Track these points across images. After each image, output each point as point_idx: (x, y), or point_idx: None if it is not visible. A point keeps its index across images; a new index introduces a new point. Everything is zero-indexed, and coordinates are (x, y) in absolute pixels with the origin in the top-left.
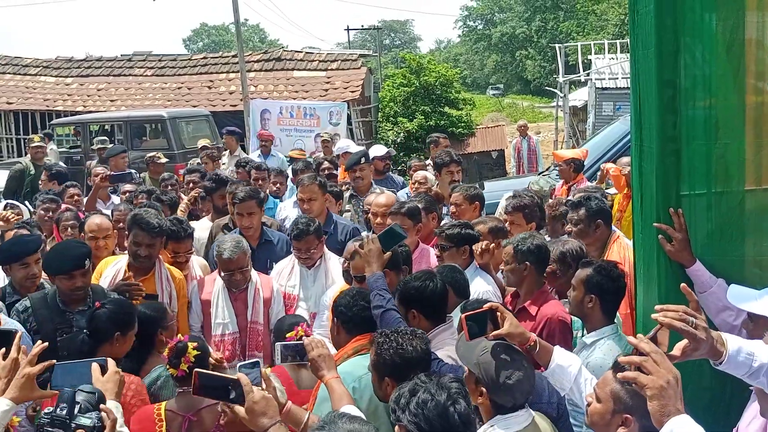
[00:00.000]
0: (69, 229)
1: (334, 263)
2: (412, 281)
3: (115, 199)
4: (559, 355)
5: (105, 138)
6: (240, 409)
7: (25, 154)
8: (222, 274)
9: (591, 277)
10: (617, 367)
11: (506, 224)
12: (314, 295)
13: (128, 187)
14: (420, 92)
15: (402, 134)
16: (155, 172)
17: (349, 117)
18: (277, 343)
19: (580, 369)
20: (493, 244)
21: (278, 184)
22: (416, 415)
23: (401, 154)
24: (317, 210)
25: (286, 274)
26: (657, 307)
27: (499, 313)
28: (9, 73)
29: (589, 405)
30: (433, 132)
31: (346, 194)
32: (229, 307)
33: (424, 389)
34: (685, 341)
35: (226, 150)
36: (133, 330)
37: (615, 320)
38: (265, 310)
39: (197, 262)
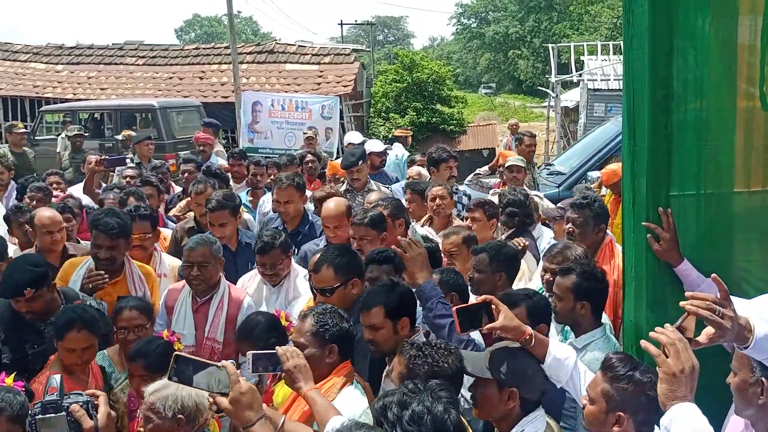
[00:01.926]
0: (26, 226)
1: (300, 280)
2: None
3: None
4: (555, 347)
5: (79, 126)
6: (223, 401)
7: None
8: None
9: (579, 284)
10: (607, 366)
11: (467, 221)
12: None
13: (129, 172)
14: (412, 89)
15: (393, 130)
16: (147, 158)
17: (341, 111)
18: (249, 352)
19: (575, 362)
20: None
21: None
22: (408, 431)
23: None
24: (293, 212)
25: (248, 288)
26: (687, 294)
27: (493, 306)
28: None
29: (584, 407)
30: (425, 129)
31: (342, 188)
32: (189, 318)
33: (417, 400)
34: (711, 328)
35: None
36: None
37: (603, 321)
38: (229, 327)
39: (167, 260)
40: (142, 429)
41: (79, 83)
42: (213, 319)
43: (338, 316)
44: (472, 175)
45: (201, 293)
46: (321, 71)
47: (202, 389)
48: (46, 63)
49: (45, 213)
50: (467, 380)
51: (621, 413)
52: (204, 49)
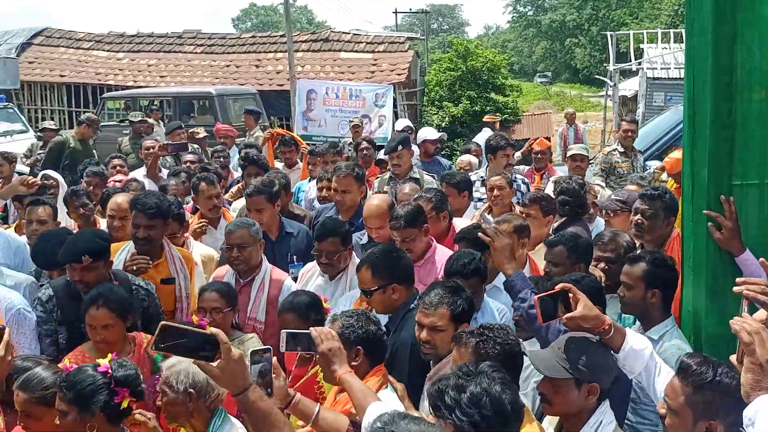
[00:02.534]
0: (81, 209)
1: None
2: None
3: (165, 173)
4: (633, 338)
5: (140, 112)
6: (211, 367)
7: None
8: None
9: (649, 272)
10: (687, 372)
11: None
12: (331, 312)
13: (189, 157)
14: (466, 77)
15: (447, 119)
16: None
17: (394, 100)
18: (282, 331)
19: (651, 353)
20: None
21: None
22: (470, 413)
23: (445, 139)
24: (350, 202)
25: (306, 279)
26: (738, 280)
27: (571, 295)
28: (62, 47)
29: (663, 417)
30: (479, 117)
31: (385, 176)
32: None
33: (474, 383)
34: (762, 313)
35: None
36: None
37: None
38: (270, 308)
39: (198, 249)
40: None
41: (139, 71)
42: (254, 299)
43: (366, 319)
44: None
45: (243, 274)
46: (375, 59)
47: (186, 356)
48: (107, 51)
49: (116, 198)
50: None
51: (712, 421)
52: (260, 37)
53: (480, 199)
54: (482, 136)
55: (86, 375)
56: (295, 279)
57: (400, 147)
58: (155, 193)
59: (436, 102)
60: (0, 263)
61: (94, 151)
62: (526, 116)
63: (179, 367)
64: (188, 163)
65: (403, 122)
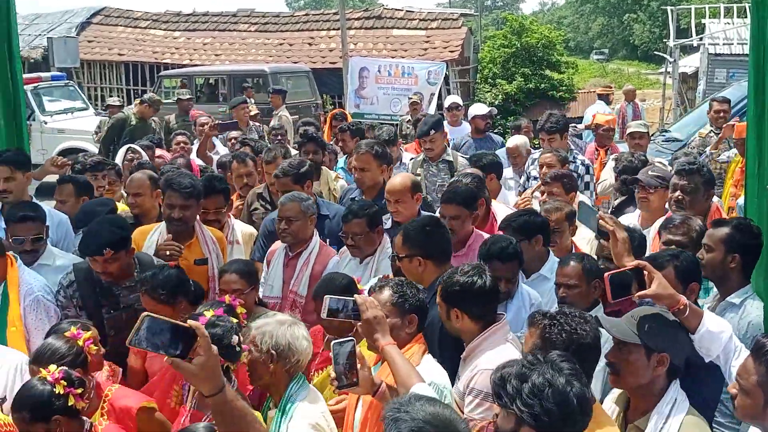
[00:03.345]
0: (107, 186)
1: (387, 263)
2: (456, 275)
3: (221, 148)
4: (710, 319)
5: (187, 90)
6: (185, 366)
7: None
8: None
9: (731, 236)
10: (757, 350)
11: (544, 195)
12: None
13: (234, 134)
14: (521, 54)
15: (500, 96)
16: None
17: (447, 77)
18: (326, 296)
19: (730, 336)
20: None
21: None
22: (531, 405)
23: (498, 117)
24: (369, 181)
25: (342, 260)
26: None
27: (646, 273)
28: (120, 26)
29: (734, 397)
30: (533, 95)
31: (419, 158)
32: (279, 271)
33: (537, 372)
34: None
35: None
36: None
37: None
38: (313, 283)
39: (239, 227)
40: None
41: (195, 49)
42: (298, 273)
43: (415, 288)
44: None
45: (292, 247)
46: (428, 36)
47: (156, 352)
48: (164, 30)
49: (134, 175)
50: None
51: None
52: (313, 15)
53: (536, 178)
54: (594, 109)
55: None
56: None
57: (432, 131)
58: (187, 173)
59: (490, 79)
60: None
61: (154, 128)
62: (581, 93)
63: (265, 328)
64: (232, 140)
65: (452, 98)
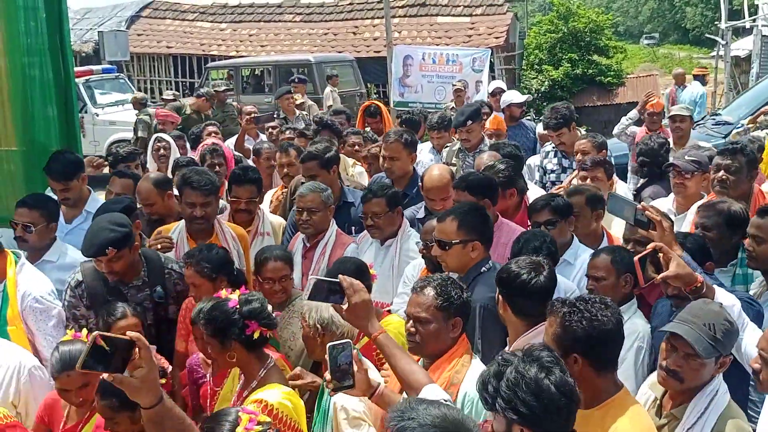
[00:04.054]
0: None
1: (411, 244)
2: (512, 264)
3: (263, 136)
4: (722, 294)
5: (225, 80)
6: (127, 380)
7: (195, 97)
8: None
9: None
10: None
11: (587, 180)
12: (379, 279)
13: (272, 124)
14: (568, 39)
15: (546, 83)
16: (291, 112)
17: (492, 64)
18: (311, 277)
19: (740, 311)
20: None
21: None
22: (509, 400)
23: (545, 103)
24: (399, 170)
25: (363, 245)
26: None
27: (661, 254)
28: (169, 18)
29: (757, 372)
30: (580, 81)
31: (455, 147)
32: (297, 262)
33: (511, 368)
34: None
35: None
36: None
37: None
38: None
39: (270, 219)
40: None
41: (241, 41)
42: (316, 263)
43: (459, 287)
44: (622, 123)
45: (309, 238)
46: (472, 23)
47: (95, 371)
48: (211, 22)
49: (141, 183)
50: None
51: None
52: (358, 4)
53: (552, 171)
54: (690, 90)
55: (221, 310)
56: None
57: (469, 121)
58: (203, 170)
59: (536, 66)
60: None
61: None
62: (630, 79)
63: (311, 305)
64: (270, 130)
65: (496, 83)
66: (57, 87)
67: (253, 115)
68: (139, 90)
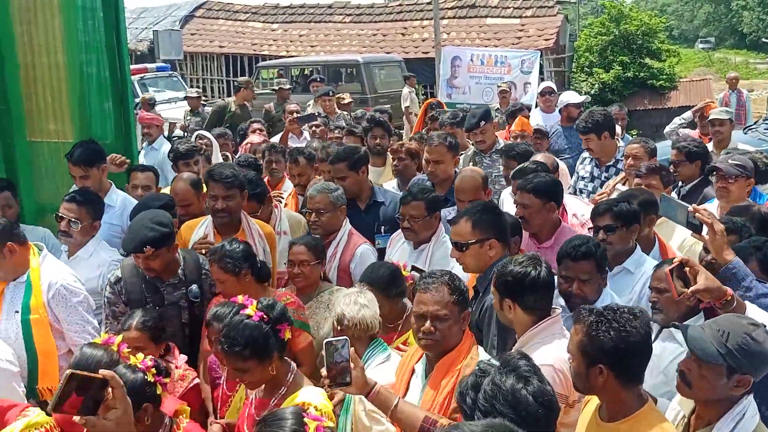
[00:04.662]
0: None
1: (446, 249)
2: (511, 265)
3: (308, 134)
4: (753, 310)
5: (285, 80)
6: (101, 423)
7: (234, 93)
8: None
9: None
10: None
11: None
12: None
13: (315, 122)
14: (619, 41)
15: (597, 85)
16: (332, 111)
17: (541, 66)
18: (326, 341)
19: None
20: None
21: None
22: (488, 412)
23: (595, 106)
24: (443, 174)
25: (392, 246)
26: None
27: (688, 268)
28: (221, 19)
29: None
30: (631, 84)
31: (469, 151)
32: None
33: (488, 379)
34: None
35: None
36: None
37: None
38: (341, 275)
39: (287, 216)
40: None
41: (291, 41)
42: (327, 263)
43: (461, 280)
44: (675, 122)
45: (322, 238)
46: (522, 25)
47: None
48: (262, 22)
49: (177, 184)
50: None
51: None
52: (407, 5)
53: (583, 178)
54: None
55: (251, 327)
56: (380, 250)
57: (482, 122)
58: (230, 164)
59: (586, 68)
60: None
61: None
62: (683, 83)
63: (335, 301)
64: (314, 128)
65: (545, 84)
66: (113, 83)
67: (295, 114)
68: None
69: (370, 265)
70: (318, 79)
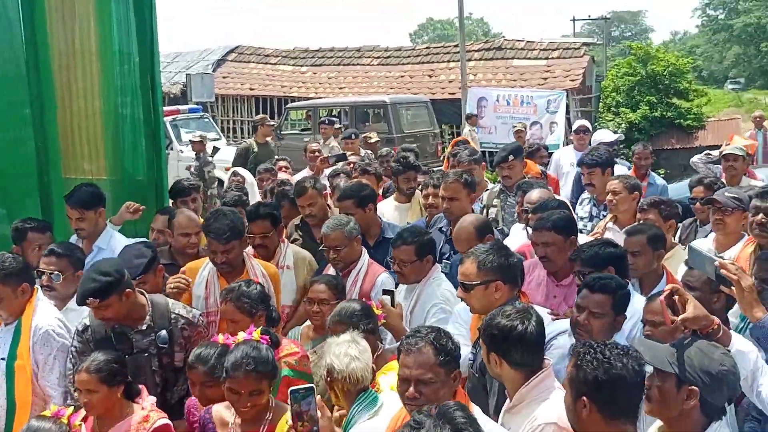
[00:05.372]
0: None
1: (435, 288)
2: (498, 317)
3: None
4: (739, 340)
5: (333, 118)
6: None
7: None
8: None
9: None
10: None
11: (640, 222)
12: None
13: (353, 159)
14: (646, 82)
15: (623, 125)
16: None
17: (567, 106)
18: (291, 389)
19: (757, 357)
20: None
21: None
22: None
23: (622, 145)
24: (458, 212)
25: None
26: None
27: (677, 297)
28: (253, 62)
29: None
30: (658, 123)
31: (495, 188)
32: None
33: (423, 431)
34: None
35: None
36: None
37: None
38: None
39: (293, 251)
40: None
41: (320, 83)
42: (348, 292)
43: (450, 336)
44: (702, 155)
45: (341, 270)
46: (548, 66)
47: None
48: (292, 65)
49: (184, 214)
50: None
51: None
52: (434, 48)
53: (582, 218)
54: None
55: (268, 349)
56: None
57: (511, 157)
58: (224, 214)
59: (613, 108)
60: None
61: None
62: (710, 122)
63: (325, 348)
64: (351, 165)
65: (580, 122)
66: (146, 124)
67: (326, 156)
68: (222, 129)
69: (338, 307)
70: (326, 122)
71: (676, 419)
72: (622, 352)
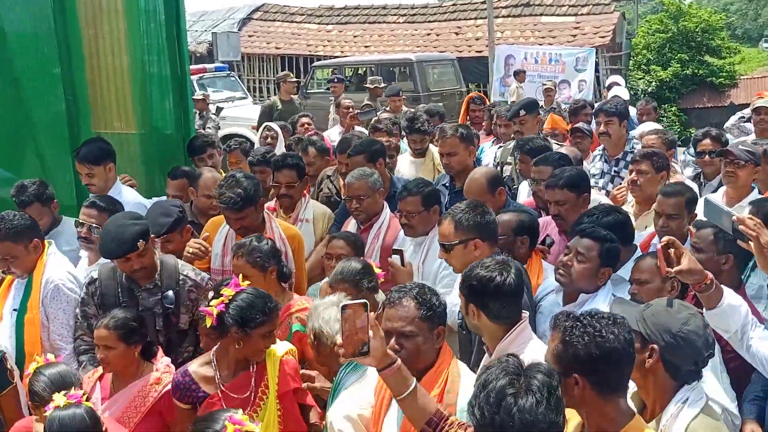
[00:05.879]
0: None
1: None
2: (477, 268)
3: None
4: (729, 294)
5: (379, 78)
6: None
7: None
8: None
9: None
10: None
11: (632, 173)
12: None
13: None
14: (678, 39)
15: (654, 83)
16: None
17: (596, 64)
18: (341, 304)
19: (747, 311)
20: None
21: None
22: (473, 403)
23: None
24: (458, 166)
25: (405, 241)
26: None
27: (673, 249)
28: (278, 21)
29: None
30: (690, 82)
31: (509, 145)
32: None
33: (490, 372)
34: None
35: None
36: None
37: None
38: (383, 254)
39: (313, 206)
40: None
41: (346, 41)
42: (370, 245)
43: (435, 293)
44: (735, 117)
45: (363, 221)
46: (578, 22)
47: None
48: (318, 23)
49: (210, 174)
50: None
51: None
52: (461, 5)
53: (594, 175)
54: None
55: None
56: None
57: (522, 112)
58: (237, 181)
59: (643, 66)
60: None
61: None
62: (743, 80)
63: (310, 310)
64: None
65: (613, 78)
66: (173, 82)
67: (356, 111)
68: (248, 88)
69: (340, 263)
70: (336, 80)
71: (642, 378)
72: (610, 322)
